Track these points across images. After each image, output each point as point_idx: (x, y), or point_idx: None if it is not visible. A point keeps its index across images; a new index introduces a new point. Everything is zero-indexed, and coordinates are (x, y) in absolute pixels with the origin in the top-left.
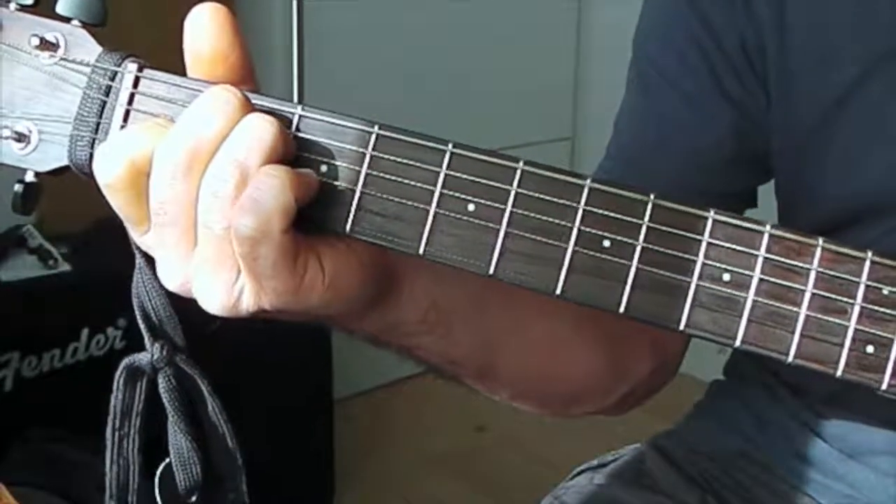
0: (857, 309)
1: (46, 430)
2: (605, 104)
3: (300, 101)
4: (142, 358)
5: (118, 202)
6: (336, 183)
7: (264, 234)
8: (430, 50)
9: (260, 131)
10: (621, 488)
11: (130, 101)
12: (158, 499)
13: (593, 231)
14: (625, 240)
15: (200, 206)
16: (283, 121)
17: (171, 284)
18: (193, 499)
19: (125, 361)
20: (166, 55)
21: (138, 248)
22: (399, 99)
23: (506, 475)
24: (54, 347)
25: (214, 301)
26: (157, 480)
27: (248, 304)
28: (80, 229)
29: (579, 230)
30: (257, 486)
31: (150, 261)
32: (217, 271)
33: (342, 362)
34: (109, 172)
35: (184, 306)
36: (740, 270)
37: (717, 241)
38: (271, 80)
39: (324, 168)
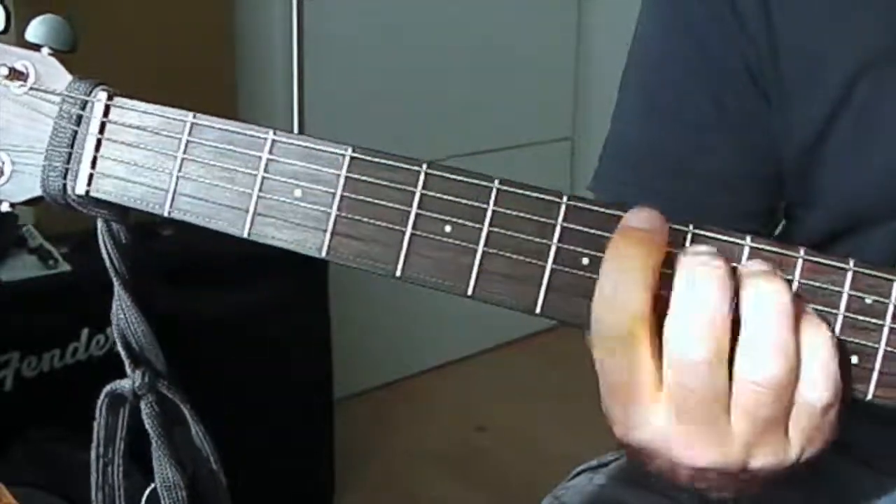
0: (840, 319)
1: (46, 430)
2: (605, 104)
3: (300, 102)
4: (124, 385)
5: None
6: (311, 207)
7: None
8: (430, 50)
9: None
10: (621, 488)
11: (102, 130)
12: None
13: (572, 248)
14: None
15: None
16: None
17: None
18: None
19: (107, 389)
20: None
21: (117, 272)
22: (399, 99)
23: (506, 475)
24: (54, 347)
25: (769, 465)
26: None
27: (793, 460)
28: (80, 229)
29: (558, 248)
30: (258, 486)
31: (129, 289)
32: (769, 443)
33: (342, 362)
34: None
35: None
36: None
37: None
38: (271, 82)
39: (298, 192)
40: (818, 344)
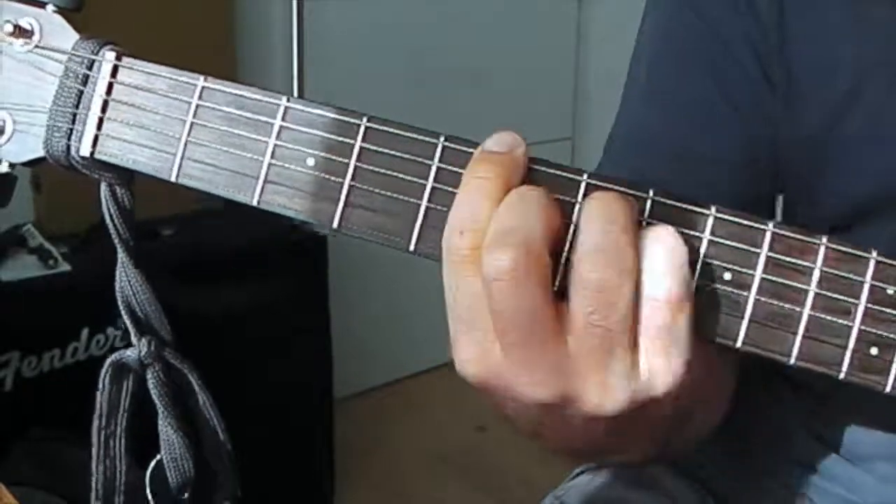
0: (861, 309)
1: (46, 430)
2: (605, 104)
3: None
4: (129, 354)
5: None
6: (324, 176)
7: (689, 293)
8: (430, 50)
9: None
10: (621, 488)
11: (109, 91)
12: (150, 495)
13: None
14: None
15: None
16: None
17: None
18: (186, 495)
19: (111, 358)
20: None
21: (121, 238)
22: (399, 98)
23: (506, 475)
24: (54, 347)
25: (613, 399)
26: (148, 477)
27: (646, 388)
28: (80, 229)
29: (576, 226)
30: (258, 485)
31: (132, 255)
32: (610, 367)
33: (342, 362)
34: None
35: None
36: (742, 269)
37: (718, 239)
38: (271, 80)
39: (311, 161)
40: (658, 238)
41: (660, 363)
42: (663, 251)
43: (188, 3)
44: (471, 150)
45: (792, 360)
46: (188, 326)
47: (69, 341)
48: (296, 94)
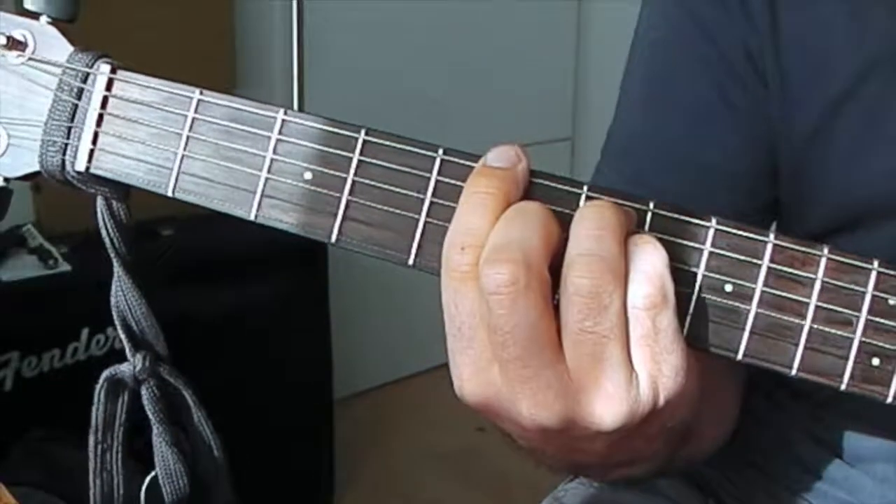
0: (862, 320)
1: (46, 430)
2: (605, 104)
3: (300, 102)
4: (124, 369)
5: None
6: (321, 190)
7: (666, 300)
8: (430, 50)
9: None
10: (621, 490)
11: (104, 105)
12: None
13: None
14: None
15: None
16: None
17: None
18: None
19: (106, 373)
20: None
21: (117, 253)
22: (399, 99)
23: (506, 475)
24: (54, 347)
25: (613, 412)
26: (143, 494)
27: (645, 399)
28: (80, 229)
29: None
30: (258, 485)
31: (129, 269)
32: (607, 375)
33: (342, 362)
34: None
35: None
36: (742, 282)
37: (718, 251)
38: (271, 80)
39: (308, 175)
40: (637, 245)
41: (653, 372)
42: (642, 258)
43: (188, 2)
44: (470, 163)
45: (793, 372)
46: (188, 327)
47: (69, 341)
48: (295, 94)
